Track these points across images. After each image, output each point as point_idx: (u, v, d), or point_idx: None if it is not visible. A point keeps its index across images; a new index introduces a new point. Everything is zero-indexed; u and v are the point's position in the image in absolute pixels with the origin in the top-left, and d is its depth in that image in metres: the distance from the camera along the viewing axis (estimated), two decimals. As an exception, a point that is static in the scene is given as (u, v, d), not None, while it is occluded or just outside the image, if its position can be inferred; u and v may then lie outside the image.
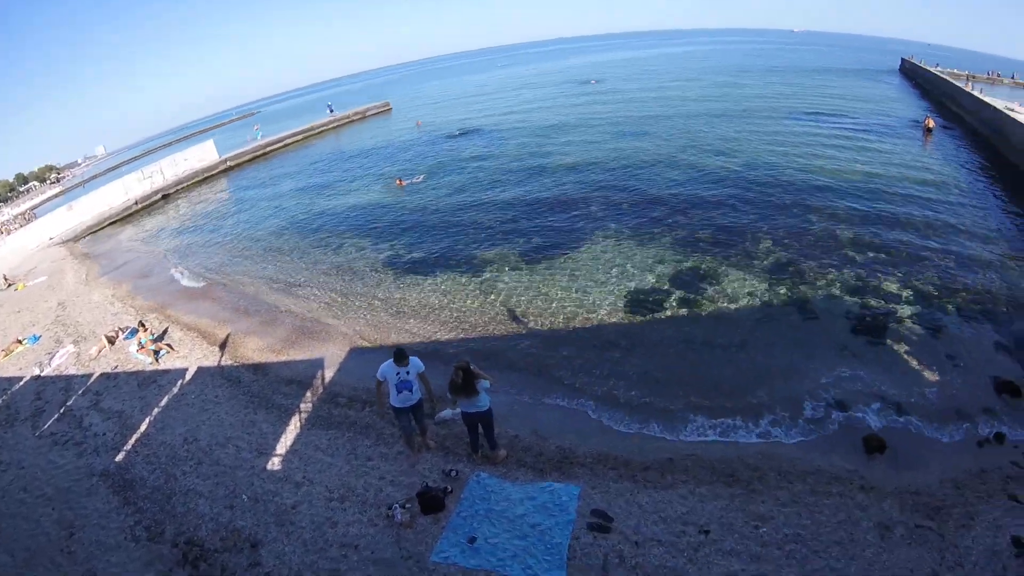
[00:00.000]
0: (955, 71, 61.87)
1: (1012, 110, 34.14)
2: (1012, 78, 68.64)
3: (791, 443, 10.30)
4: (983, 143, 33.11)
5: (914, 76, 65.51)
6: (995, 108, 34.25)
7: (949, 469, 9.54)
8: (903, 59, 76.82)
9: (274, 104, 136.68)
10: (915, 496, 8.83)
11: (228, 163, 42.56)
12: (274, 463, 10.28)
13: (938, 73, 56.19)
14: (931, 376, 12.16)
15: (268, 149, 47.70)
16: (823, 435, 10.51)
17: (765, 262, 17.42)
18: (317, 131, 55.73)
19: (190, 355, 15.04)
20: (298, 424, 11.44)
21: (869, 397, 11.44)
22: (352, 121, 61.70)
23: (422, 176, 31.07)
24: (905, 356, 12.83)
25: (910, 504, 8.65)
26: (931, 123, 36.27)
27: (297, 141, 51.72)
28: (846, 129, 35.47)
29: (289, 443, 10.82)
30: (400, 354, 8.81)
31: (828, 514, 8.33)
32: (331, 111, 61.94)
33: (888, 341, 13.41)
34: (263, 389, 12.95)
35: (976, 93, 40.67)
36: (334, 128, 57.99)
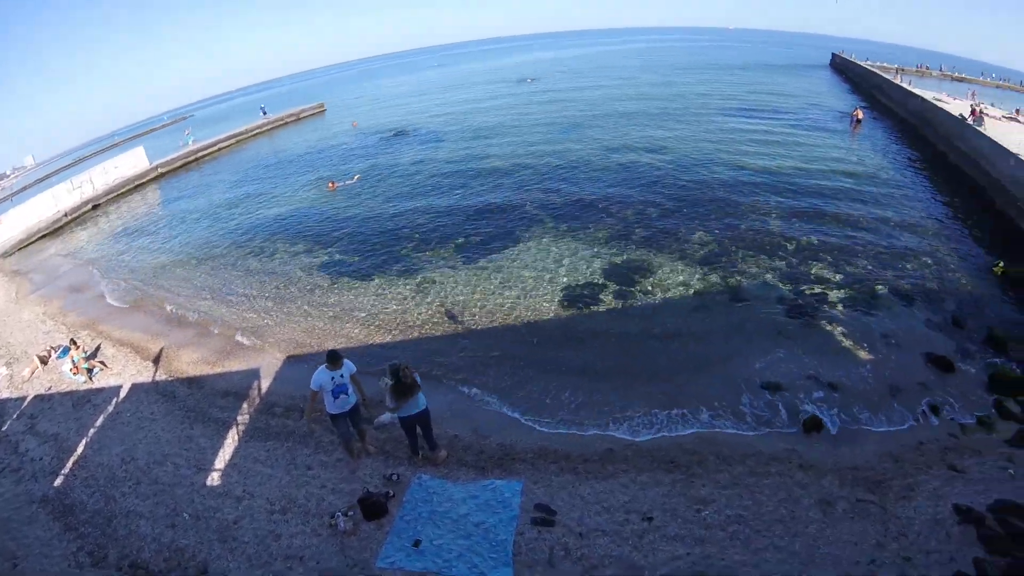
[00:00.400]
0: (885, 65, 64.56)
1: (940, 100, 35.81)
2: (940, 70, 72.11)
3: (729, 427, 10.41)
4: (911, 132, 34.62)
5: (844, 70, 68.12)
6: (923, 99, 35.84)
7: (887, 443, 9.80)
8: (834, 54, 79.86)
9: (207, 108, 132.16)
10: (854, 471, 9.01)
11: (159, 170, 40.88)
12: (213, 478, 9.90)
13: (868, 67, 58.55)
14: (865, 355, 12.50)
15: (200, 154, 45.98)
16: (760, 417, 10.67)
17: (699, 253, 17.73)
18: (251, 134, 53.95)
19: (124, 372, 14.36)
20: (236, 437, 11.03)
21: (805, 378, 11.70)
22: (286, 123, 60.03)
23: (356, 177, 30.37)
24: (839, 337, 13.18)
25: (850, 479, 8.82)
26: (860, 114, 37.73)
27: (230, 145, 49.97)
28: (777, 123, 36.62)
29: (228, 457, 10.43)
30: (333, 356, 8.53)
31: (769, 494, 8.43)
32: (264, 113, 60.06)
33: (822, 324, 13.77)
34: (199, 403, 12.46)
35: (905, 85, 42.55)
36: (268, 131, 56.30)
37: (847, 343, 12.95)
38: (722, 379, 11.77)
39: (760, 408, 10.89)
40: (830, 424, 10.36)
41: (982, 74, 71.93)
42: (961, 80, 66.07)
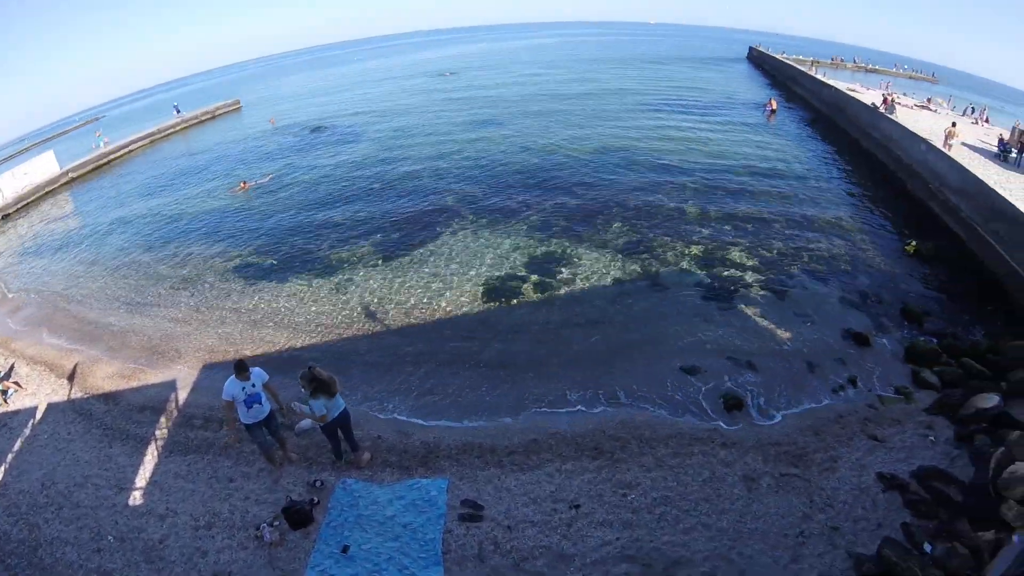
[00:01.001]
0: (800, 57, 67.35)
1: (853, 91, 37.55)
2: (854, 62, 75.65)
3: (651, 411, 10.55)
4: (825, 121, 36.23)
5: (761, 63, 70.74)
6: (836, 89, 37.52)
7: (807, 418, 10.15)
8: (751, 47, 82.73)
9: (119, 107, 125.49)
10: (777, 447, 9.27)
11: (71, 175, 38.49)
12: (136, 497, 9.45)
13: (783, 59, 60.91)
14: (783, 334, 12.93)
15: (113, 157, 43.49)
16: (681, 399, 10.87)
17: (618, 243, 18.00)
18: (164, 134, 51.51)
19: (39, 391, 13.55)
20: (155, 453, 10.56)
21: (724, 359, 12.00)
22: (201, 122, 57.52)
23: (270, 176, 29.29)
24: (756, 318, 13.60)
25: (773, 455, 9.07)
26: (774, 105, 39.25)
27: (143, 146, 47.54)
28: (694, 114, 37.66)
29: (148, 474, 9.98)
30: (240, 367, 8.14)
31: (693, 474, 8.59)
32: (178, 112, 57.39)
33: (739, 306, 14.17)
34: (116, 420, 11.86)
35: (820, 76, 44.43)
36: (182, 130, 53.82)
37: (765, 323, 13.36)
38: (643, 364, 11.94)
39: (681, 390, 11.10)
40: (750, 402, 10.64)
41: (895, 66, 76.05)
42: (875, 71, 69.54)
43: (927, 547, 6.88)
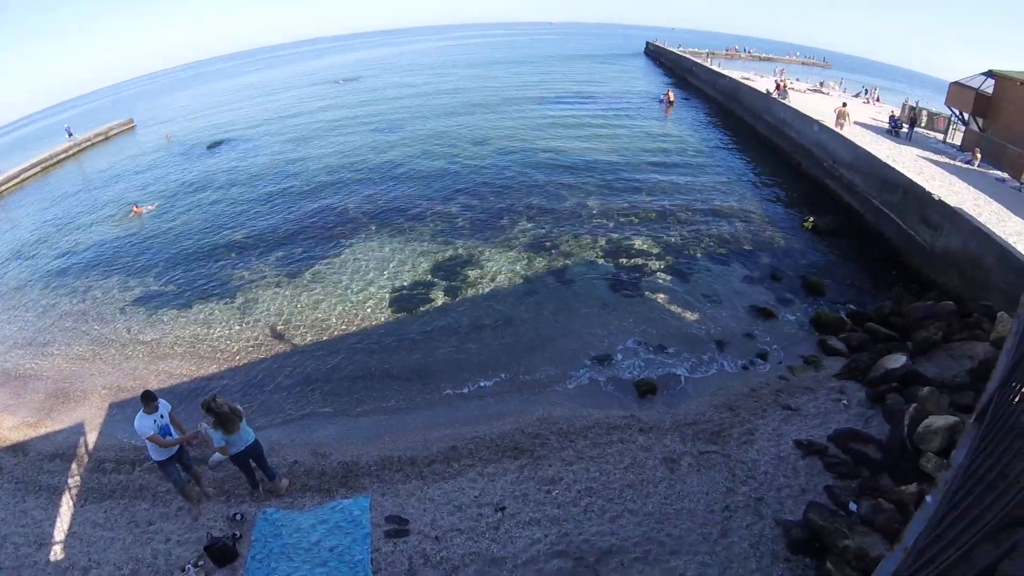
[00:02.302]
0: (696, 50, 70.05)
1: (748, 79, 39.36)
2: (748, 52, 79.34)
3: (566, 404, 10.73)
4: (721, 109, 37.84)
5: (658, 57, 73.45)
6: (731, 78, 39.25)
7: (720, 395, 10.58)
8: (648, 42, 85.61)
9: (7, 134, 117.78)
10: (693, 426, 9.61)
11: (-47, 212, 35.88)
12: (56, 552, 8.89)
13: (679, 52, 63.29)
14: (689, 316, 13.44)
15: (2, 188, 40.82)
16: (595, 390, 11.13)
17: (523, 240, 18.26)
18: (57, 159, 48.57)
19: (-60, 450, 12.49)
20: (71, 502, 9.98)
21: (635, 345, 12.35)
22: (94, 143, 54.30)
23: (154, 206, 27.93)
24: (662, 303, 14.06)
25: (690, 434, 9.39)
26: (672, 96, 40.70)
27: (35, 174, 44.63)
28: (594, 109, 38.68)
29: (66, 526, 9.41)
30: (148, 397, 7.76)
31: (614, 462, 8.78)
32: (70, 135, 54.17)
33: (645, 293, 14.63)
34: (26, 472, 11.10)
35: (715, 67, 46.36)
36: (75, 154, 50.73)
37: (671, 307, 13.83)
38: (556, 358, 12.13)
39: (595, 381, 11.36)
40: (663, 385, 10.97)
41: (788, 54, 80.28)
42: (768, 60, 73.18)
43: (852, 506, 7.16)
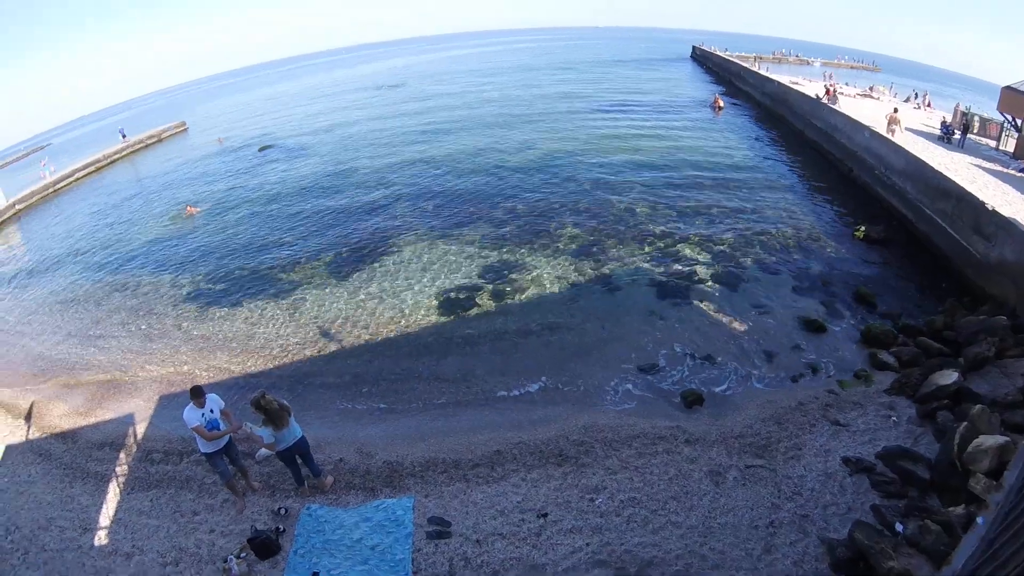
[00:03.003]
0: (743, 54, 68.76)
1: (796, 83, 38.52)
2: (796, 56, 77.63)
3: (612, 412, 10.59)
4: (768, 114, 37.12)
5: (705, 61, 72.40)
6: (779, 83, 38.44)
7: (768, 408, 10.28)
8: (694, 47, 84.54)
9: (64, 134, 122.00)
10: (740, 439, 9.38)
11: (17, 207, 37.36)
12: (101, 537, 9.15)
13: (726, 56, 62.22)
14: (739, 326, 13.14)
15: (60, 186, 42.34)
16: (641, 399, 10.97)
17: (570, 247, 18.14)
18: (110, 160, 50.23)
19: (-5, 434, 13.04)
20: (117, 490, 10.25)
21: (681, 355, 12.14)
22: (147, 145, 56.24)
23: (208, 206, 28.59)
24: (711, 312, 13.78)
25: (737, 447, 9.17)
26: (720, 102, 40.17)
27: (89, 174, 46.30)
28: (641, 114, 38.27)
29: (112, 513, 9.66)
30: (196, 392, 7.95)
31: (659, 473, 8.63)
32: (124, 137, 55.97)
33: (694, 300, 14.38)
34: (75, 458, 11.48)
35: (763, 71, 45.49)
36: (128, 155, 52.45)
37: (720, 317, 13.55)
38: (602, 366, 12.00)
39: (641, 390, 11.19)
40: (711, 396, 10.76)
41: (837, 57, 78.36)
42: (817, 64, 71.43)
43: (899, 527, 6.91)
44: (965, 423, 7.87)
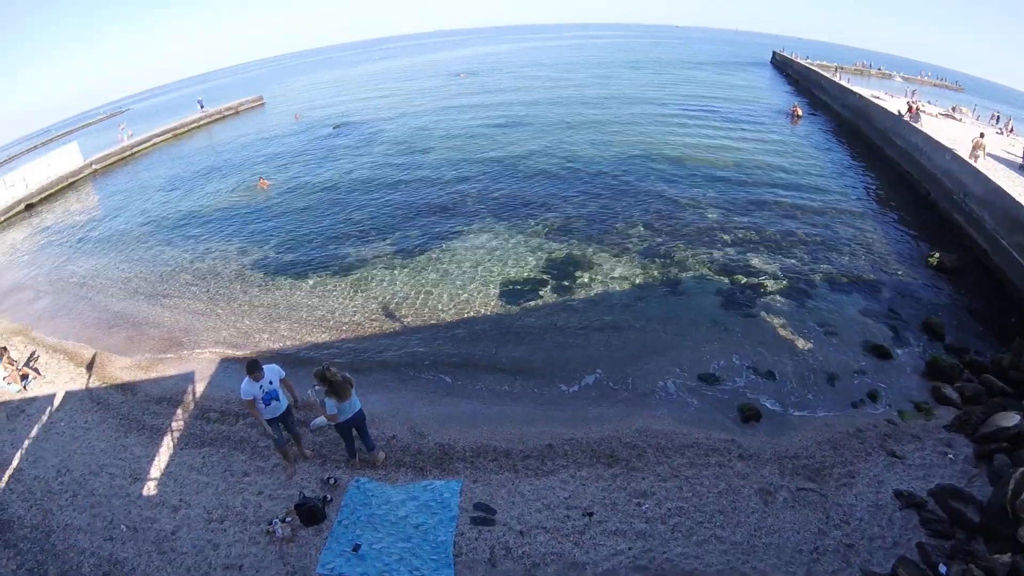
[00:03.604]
0: (824, 63, 66.41)
1: (877, 97, 37.02)
2: (879, 69, 74.62)
3: (668, 419, 10.43)
4: (848, 128, 35.72)
5: (785, 68, 70.07)
6: (861, 96, 36.97)
7: (825, 431, 9.98)
8: (774, 52, 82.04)
9: (143, 101, 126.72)
10: (794, 460, 9.14)
11: (94, 167, 39.03)
12: (150, 488, 9.52)
13: (808, 64, 60.17)
14: (803, 344, 12.74)
15: (136, 150, 43.98)
16: (699, 408, 10.76)
17: (638, 247, 17.88)
18: (187, 129, 51.93)
19: (57, 379, 13.72)
20: (171, 444, 10.64)
21: (742, 368, 11.86)
22: (224, 117, 57.94)
23: (280, 179, 29.29)
24: (776, 327, 13.42)
25: (789, 468, 8.94)
26: (799, 111, 38.87)
27: (166, 140, 47.91)
28: (717, 118, 37.29)
29: (163, 465, 10.04)
30: (253, 366, 8.10)
31: (709, 485, 8.48)
32: (202, 107, 57.95)
33: (759, 314, 14.00)
34: (133, 410, 11.96)
35: (844, 83, 43.83)
36: (206, 125, 54.26)
37: (784, 333, 13.18)
38: (661, 372, 11.83)
39: (699, 399, 10.98)
40: (768, 413, 10.50)
41: (920, 73, 74.98)
42: (899, 79, 68.50)
43: (942, 568, 6.73)
44: (1022, 469, 7.52)
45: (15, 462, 10.68)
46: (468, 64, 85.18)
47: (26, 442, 11.27)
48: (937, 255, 16.72)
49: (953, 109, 37.79)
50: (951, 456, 9.14)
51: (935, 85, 69.22)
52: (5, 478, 10.27)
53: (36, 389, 13.34)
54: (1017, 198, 16.30)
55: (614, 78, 60.05)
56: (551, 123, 36.58)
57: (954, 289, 15.34)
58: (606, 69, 69.45)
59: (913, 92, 42.72)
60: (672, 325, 13.60)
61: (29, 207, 32.66)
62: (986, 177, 18.39)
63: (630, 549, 7.39)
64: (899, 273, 16.03)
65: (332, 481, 8.77)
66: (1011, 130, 30.98)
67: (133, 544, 8.27)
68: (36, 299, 19.05)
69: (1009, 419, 9.31)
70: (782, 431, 9.96)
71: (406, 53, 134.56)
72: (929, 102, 39.15)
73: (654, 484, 8.51)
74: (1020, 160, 22.04)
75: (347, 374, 8.30)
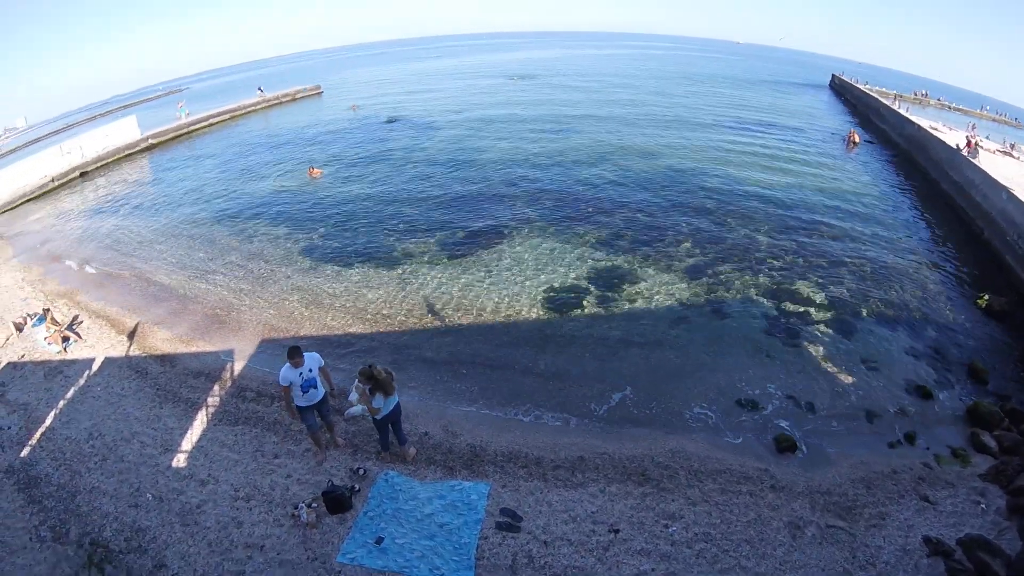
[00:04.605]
0: (883, 90, 64.74)
1: (936, 129, 36.01)
2: (938, 100, 72.51)
3: (702, 442, 10.32)
4: (904, 158, 34.83)
5: (843, 92, 68.54)
6: (919, 126, 36.01)
7: (860, 469, 9.76)
8: (833, 75, 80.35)
9: (202, 81, 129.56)
10: (826, 496, 8.96)
11: (150, 141, 40.02)
12: (179, 460, 9.73)
13: (866, 90, 58.81)
14: (844, 378, 12.47)
15: (192, 128, 44.95)
16: (734, 434, 10.61)
17: (684, 264, 17.71)
18: (245, 111, 52.73)
19: (98, 344, 14.10)
20: (205, 419, 10.85)
21: (781, 397, 11.65)
22: (282, 103, 58.84)
23: (332, 169, 29.82)
24: (818, 358, 13.15)
25: (821, 504, 8.77)
26: (856, 137, 37.97)
27: (223, 121, 48.75)
28: (773, 138, 36.71)
29: (195, 439, 10.26)
30: (294, 352, 8.22)
31: (738, 513, 8.36)
32: (261, 92, 59.27)
33: (803, 343, 13.74)
34: (170, 382, 12.23)
35: (902, 111, 42.75)
36: (263, 109, 55.15)
37: (826, 365, 12.92)
38: (699, 394, 11.71)
39: (735, 425, 10.83)
40: (804, 446, 10.31)
41: (981, 107, 72.64)
42: (958, 111, 66.50)
43: None
44: None
45: (48, 421, 10.99)
46: (522, 67, 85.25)
47: (61, 403, 11.58)
48: (986, 297, 16.21)
49: (1012, 146, 36.55)
50: (983, 506, 8.91)
51: (994, 120, 66.99)
52: (37, 435, 10.55)
53: (76, 352, 13.71)
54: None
55: (667, 91, 59.49)
56: (603, 133, 36.42)
57: (1001, 334, 14.85)
58: (659, 82, 68.84)
59: (973, 126, 41.43)
60: (713, 346, 13.44)
61: (84, 174, 33.72)
62: (1043, 220, 17.80)
63: (653, 571, 7.31)
64: (947, 312, 15.59)
65: (361, 472, 8.86)
66: (1072, 172, 29.85)
67: (157, 514, 8.43)
68: (84, 265, 19.63)
69: (1046, 474, 9.03)
70: (816, 465, 9.76)
71: (459, 53, 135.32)
72: (988, 137, 37.96)
73: (683, 507, 8.42)
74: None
75: (389, 369, 8.40)
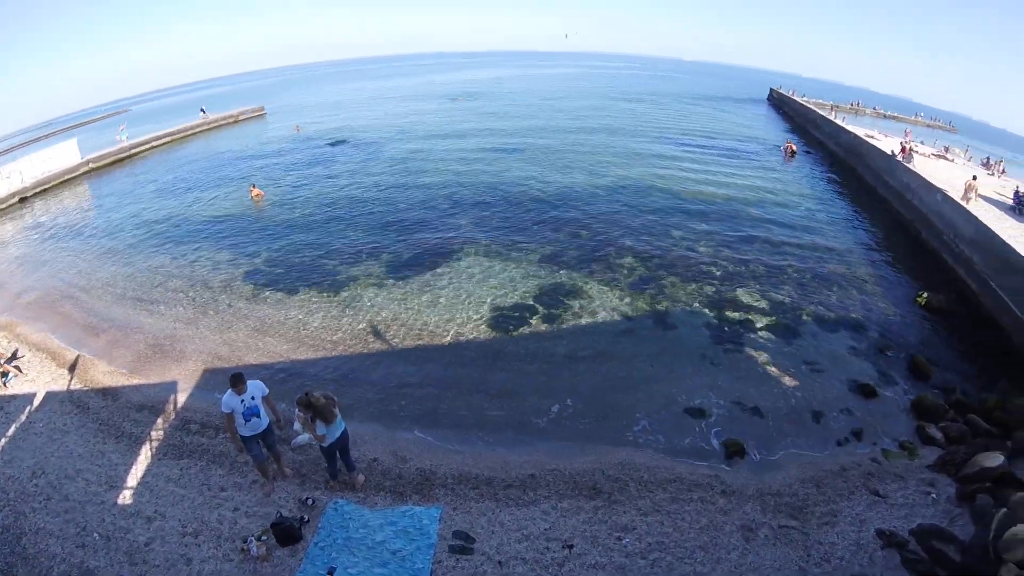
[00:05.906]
0: (820, 101, 67.31)
1: (872, 136, 37.51)
2: (874, 109, 75.68)
3: (651, 452, 10.40)
4: (842, 166, 36.21)
5: (781, 105, 71.00)
6: (855, 135, 37.47)
7: (809, 469, 9.98)
8: (771, 89, 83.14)
9: (145, 102, 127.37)
10: (777, 497, 9.11)
11: (91, 165, 38.87)
12: (125, 497, 9.36)
13: (803, 102, 61.01)
14: (789, 381, 12.79)
15: (134, 151, 43.88)
16: (683, 442, 10.73)
17: (628, 278, 17.94)
18: (186, 134, 51.92)
19: (38, 379, 13.54)
20: (149, 453, 10.48)
21: (728, 403, 11.86)
22: (225, 124, 58.50)
23: (274, 190, 29.42)
24: (763, 363, 13.47)
25: (772, 505, 8.91)
26: (793, 147, 39.26)
27: (165, 144, 47.87)
28: (712, 152, 37.81)
29: (140, 475, 9.89)
30: (236, 379, 8.01)
31: (691, 520, 8.44)
32: (203, 113, 58.28)
33: (747, 350, 14.07)
34: (113, 416, 11.80)
35: (839, 121, 44.45)
36: (205, 131, 54.44)
37: (771, 369, 13.23)
38: (647, 403, 11.83)
39: (683, 433, 10.96)
40: (752, 450, 10.48)
41: (916, 114, 76.05)
42: (894, 119, 69.46)
43: None
44: (1004, 509, 7.55)
45: (-10, 460, 10.46)
46: (466, 88, 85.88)
47: (2, 440, 11.08)
48: (925, 295, 16.86)
49: (946, 150, 38.28)
50: (934, 496, 9.17)
51: (928, 126, 70.23)
52: (-22, 476, 10.05)
53: (17, 387, 13.16)
54: (1007, 240, 16.50)
55: (610, 108, 60.69)
56: (546, 151, 36.80)
57: (942, 329, 15.45)
58: (602, 100, 70.14)
59: (907, 132, 43.25)
60: (659, 357, 13.61)
61: (23, 200, 32.47)
62: (976, 218, 18.61)
63: (609, 584, 7.29)
64: (887, 312, 16.15)
65: (310, 502, 8.64)
66: (1003, 171, 31.40)
67: (105, 553, 8.10)
68: (22, 295, 18.85)
69: (993, 459, 9.35)
70: (766, 468, 9.94)
71: (405, 73, 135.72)
72: (922, 142, 39.68)
73: (635, 518, 8.45)
74: (1011, 202, 22.32)
75: (330, 394, 8.21)
